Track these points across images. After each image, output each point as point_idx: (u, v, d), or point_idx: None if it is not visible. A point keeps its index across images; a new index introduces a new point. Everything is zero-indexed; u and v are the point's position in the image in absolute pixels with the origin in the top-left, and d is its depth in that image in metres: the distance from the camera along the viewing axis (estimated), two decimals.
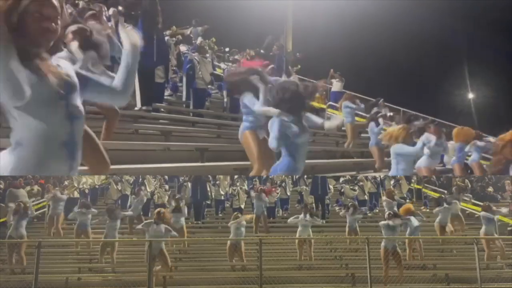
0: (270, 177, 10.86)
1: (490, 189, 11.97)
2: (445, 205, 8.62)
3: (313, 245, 7.99)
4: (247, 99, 4.98)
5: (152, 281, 6.27)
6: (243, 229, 7.63)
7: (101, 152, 3.90)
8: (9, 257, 7.43)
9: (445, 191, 9.96)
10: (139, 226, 7.29)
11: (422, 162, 7.02)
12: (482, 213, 7.99)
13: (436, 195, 10.76)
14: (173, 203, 8.89)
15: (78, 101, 2.07)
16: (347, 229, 8.48)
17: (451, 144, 8.97)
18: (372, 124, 9.70)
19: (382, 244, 6.99)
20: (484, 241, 7.70)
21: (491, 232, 7.87)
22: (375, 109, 10.46)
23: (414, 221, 7.61)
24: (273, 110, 4.05)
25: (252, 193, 9.82)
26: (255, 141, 5.19)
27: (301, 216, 7.99)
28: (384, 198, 9.76)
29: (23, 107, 1.85)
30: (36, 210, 9.68)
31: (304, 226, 7.90)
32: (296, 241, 7.79)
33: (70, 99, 2.01)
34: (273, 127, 3.90)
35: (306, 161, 4.29)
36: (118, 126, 6.86)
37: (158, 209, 7.18)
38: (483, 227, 7.93)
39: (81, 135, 2.08)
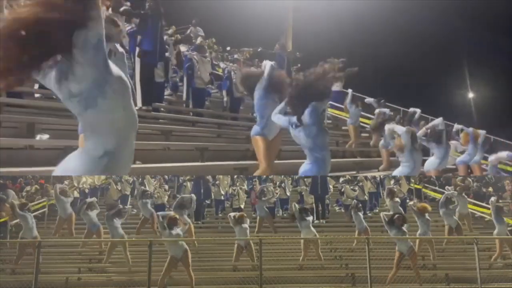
0: (269, 177, 10.86)
1: (490, 189, 11.97)
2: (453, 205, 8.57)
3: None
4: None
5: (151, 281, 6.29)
6: (246, 227, 7.52)
7: None
8: (18, 258, 7.42)
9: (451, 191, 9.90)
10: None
11: (431, 165, 7.02)
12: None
13: (437, 195, 10.74)
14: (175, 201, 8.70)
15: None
16: (356, 231, 8.39)
17: (453, 144, 8.98)
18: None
19: (397, 248, 6.90)
20: (498, 242, 7.72)
21: (504, 233, 7.86)
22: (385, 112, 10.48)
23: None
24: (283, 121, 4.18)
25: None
26: (264, 144, 5.48)
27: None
28: (388, 201, 9.59)
29: None
30: (36, 210, 9.66)
31: (306, 227, 7.83)
32: (302, 242, 7.66)
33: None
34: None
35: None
36: None
37: (172, 215, 6.92)
38: (496, 229, 7.93)
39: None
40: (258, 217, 9.09)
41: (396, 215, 7.16)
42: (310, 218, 7.83)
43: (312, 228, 7.83)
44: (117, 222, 7.68)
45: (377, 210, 10.68)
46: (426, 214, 7.70)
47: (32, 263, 6.43)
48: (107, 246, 7.71)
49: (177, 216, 6.92)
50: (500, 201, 11.26)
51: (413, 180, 11.75)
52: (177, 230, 6.74)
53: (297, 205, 8.26)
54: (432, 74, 22.88)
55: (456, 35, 22.18)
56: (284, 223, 9.60)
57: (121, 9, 8.47)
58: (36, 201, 10.14)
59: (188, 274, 6.53)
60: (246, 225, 7.49)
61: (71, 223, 8.73)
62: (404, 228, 7.05)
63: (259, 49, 14.36)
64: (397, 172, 6.71)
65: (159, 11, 8.16)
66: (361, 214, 8.59)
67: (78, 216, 8.49)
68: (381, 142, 9.65)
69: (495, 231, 7.95)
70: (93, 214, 8.18)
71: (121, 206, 8.39)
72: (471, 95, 24.80)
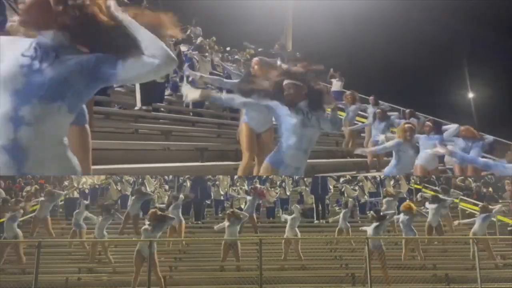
0: (269, 177, 10.85)
1: (490, 189, 11.97)
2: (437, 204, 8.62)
3: (313, 245, 8.00)
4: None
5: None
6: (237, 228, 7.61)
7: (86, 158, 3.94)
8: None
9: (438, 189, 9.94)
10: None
11: (419, 160, 6.96)
12: (482, 215, 8.02)
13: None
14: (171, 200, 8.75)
15: (35, 105, 1.85)
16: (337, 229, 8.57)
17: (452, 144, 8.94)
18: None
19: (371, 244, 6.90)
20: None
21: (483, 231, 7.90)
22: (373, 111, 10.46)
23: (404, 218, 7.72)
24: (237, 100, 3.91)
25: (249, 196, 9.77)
26: (248, 132, 5.43)
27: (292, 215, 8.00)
28: (386, 198, 9.65)
29: None
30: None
31: (290, 226, 7.91)
32: (283, 242, 7.76)
33: (20, 101, 1.83)
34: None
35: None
36: (117, 126, 6.85)
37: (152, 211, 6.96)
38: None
39: (32, 141, 1.86)
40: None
41: (370, 214, 7.31)
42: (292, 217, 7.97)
43: (296, 229, 7.94)
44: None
45: None
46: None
47: (32, 263, 6.43)
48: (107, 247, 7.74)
49: (155, 211, 6.88)
50: (500, 201, 11.29)
51: (413, 180, 11.76)
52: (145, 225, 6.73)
53: (298, 206, 8.38)
54: (432, 74, 22.88)
55: (456, 35, 22.17)
56: (284, 223, 9.58)
57: None
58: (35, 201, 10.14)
59: (155, 274, 6.49)
60: (237, 226, 7.57)
61: (48, 224, 8.79)
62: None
63: (259, 49, 14.37)
64: (386, 170, 6.67)
65: (155, 9, 8.11)
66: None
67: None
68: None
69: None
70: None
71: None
72: (471, 95, 24.80)
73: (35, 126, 1.85)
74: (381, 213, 7.61)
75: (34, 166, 1.89)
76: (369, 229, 7.26)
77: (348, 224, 8.61)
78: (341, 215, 8.68)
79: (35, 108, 1.84)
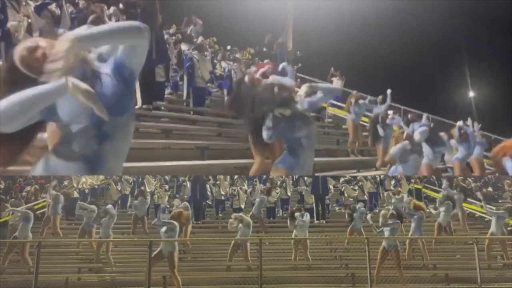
0: (270, 177, 10.84)
1: (490, 189, 11.98)
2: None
3: (313, 245, 7.98)
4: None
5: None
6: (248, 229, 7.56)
7: None
8: (4, 258, 7.43)
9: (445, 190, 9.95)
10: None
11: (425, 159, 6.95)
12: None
13: (437, 195, 10.74)
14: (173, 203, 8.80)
15: (112, 120, 2.09)
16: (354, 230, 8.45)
17: (452, 143, 8.95)
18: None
19: (383, 244, 6.94)
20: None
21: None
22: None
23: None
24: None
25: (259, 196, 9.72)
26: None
27: (298, 217, 7.94)
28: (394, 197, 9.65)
29: None
30: (36, 210, 9.66)
31: (301, 227, 7.87)
32: (292, 241, 7.74)
33: (99, 118, 2.05)
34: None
35: None
36: None
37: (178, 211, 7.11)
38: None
39: (109, 152, 2.16)
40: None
41: (390, 212, 7.27)
42: (306, 219, 7.89)
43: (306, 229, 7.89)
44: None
45: (377, 210, 10.67)
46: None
47: (32, 263, 6.43)
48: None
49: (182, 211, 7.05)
50: (500, 201, 11.29)
51: (413, 180, 11.75)
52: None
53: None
54: (432, 73, 22.88)
55: (457, 34, 22.13)
56: (284, 223, 9.58)
57: (111, 10, 8.45)
58: (35, 201, 10.15)
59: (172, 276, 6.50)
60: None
61: (56, 223, 8.83)
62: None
63: (264, 49, 14.38)
64: (392, 170, 6.68)
65: (152, 10, 8.01)
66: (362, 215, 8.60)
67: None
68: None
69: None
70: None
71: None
72: (471, 94, 24.79)
73: (114, 138, 2.13)
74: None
75: (105, 172, 2.19)
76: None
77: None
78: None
79: (112, 122, 2.08)
